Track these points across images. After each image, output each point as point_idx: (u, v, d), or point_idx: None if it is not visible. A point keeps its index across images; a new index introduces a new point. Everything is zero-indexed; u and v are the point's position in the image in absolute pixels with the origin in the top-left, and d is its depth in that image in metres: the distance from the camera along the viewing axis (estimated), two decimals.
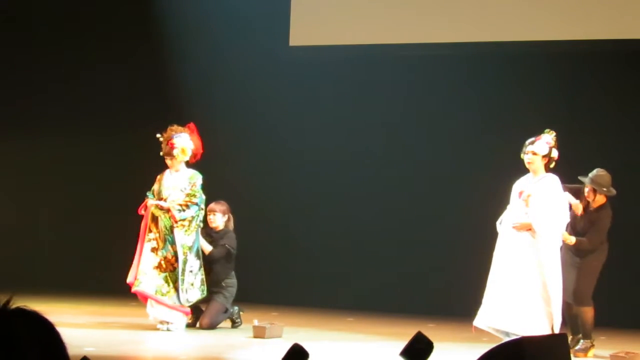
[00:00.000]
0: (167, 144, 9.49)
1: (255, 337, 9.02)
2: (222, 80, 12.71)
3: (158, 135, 9.55)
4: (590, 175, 8.91)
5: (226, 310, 9.77)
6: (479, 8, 11.88)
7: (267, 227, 12.59)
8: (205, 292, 9.51)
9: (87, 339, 8.38)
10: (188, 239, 9.42)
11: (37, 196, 13.69)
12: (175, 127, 9.57)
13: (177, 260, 9.36)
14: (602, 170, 8.98)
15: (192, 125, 9.63)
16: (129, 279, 9.40)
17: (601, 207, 8.98)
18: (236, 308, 9.87)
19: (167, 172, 9.65)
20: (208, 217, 9.85)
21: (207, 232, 9.84)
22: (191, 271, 9.42)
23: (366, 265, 12.27)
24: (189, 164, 9.67)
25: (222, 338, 9.17)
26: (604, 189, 8.88)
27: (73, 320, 9.67)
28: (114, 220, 12.42)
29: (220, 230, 9.88)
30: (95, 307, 11.05)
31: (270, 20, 12.74)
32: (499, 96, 11.79)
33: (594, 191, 8.90)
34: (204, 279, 9.53)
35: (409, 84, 12.23)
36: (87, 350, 7.50)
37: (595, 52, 11.49)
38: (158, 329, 9.34)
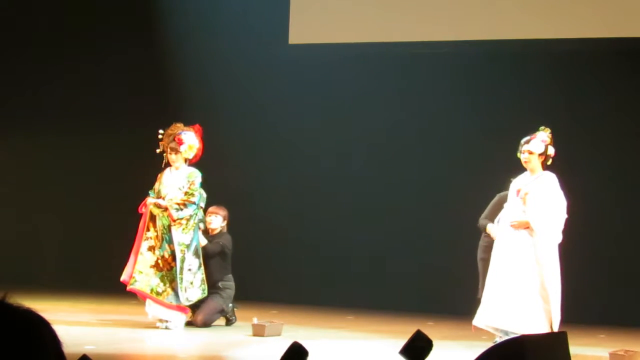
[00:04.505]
0: (173, 139, 9.45)
1: (254, 335, 9.01)
2: (221, 79, 12.71)
3: (161, 131, 9.51)
4: None
5: (222, 310, 9.77)
6: (480, 6, 11.87)
7: (266, 225, 12.59)
8: (206, 292, 9.48)
9: (87, 337, 8.37)
10: (186, 237, 9.40)
11: (37, 196, 13.68)
12: (180, 124, 9.55)
13: (174, 259, 9.34)
14: None
15: (198, 126, 9.60)
16: (123, 277, 9.38)
17: None
18: (231, 305, 9.86)
19: (167, 170, 9.64)
20: (207, 217, 9.85)
21: (203, 233, 9.82)
22: (190, 270, 9.39)
23: (366, 263, 12.26)
24: (189, 164, 9.65)
25: (221, 336, 9.16)
26: None
27: (73, 318, 9.66)
28: (114, 219, 12.42)
29: (217, 233, 9.88)
30: (95, 305, 11.05)
31: (269, 19, 12.73)
32: (499, 95, 11.79)
33: None
34: (205, 278, 9.51)
35: (409, 81, 12.22)
36: (87, 349, 7.50)
37: (595, 51, 11.48)
38: (157, 327, 9.33)
